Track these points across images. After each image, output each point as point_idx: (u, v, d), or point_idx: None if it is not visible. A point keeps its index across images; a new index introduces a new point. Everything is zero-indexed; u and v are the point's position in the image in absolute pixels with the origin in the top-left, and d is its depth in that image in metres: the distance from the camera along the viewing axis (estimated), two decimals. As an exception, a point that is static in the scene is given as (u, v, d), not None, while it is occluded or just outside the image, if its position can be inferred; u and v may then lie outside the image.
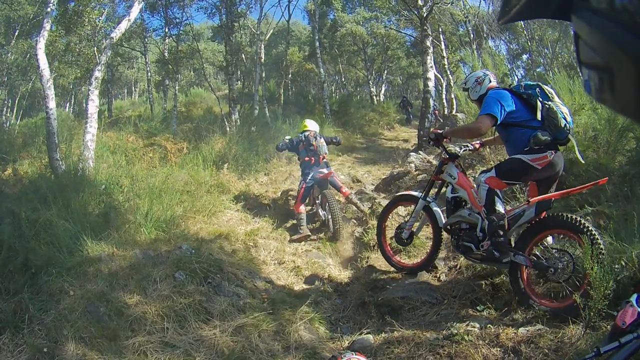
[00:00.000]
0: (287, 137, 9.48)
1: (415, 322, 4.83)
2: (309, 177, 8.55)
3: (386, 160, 13.16)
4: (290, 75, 28.85)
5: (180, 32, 21.21)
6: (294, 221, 8.51)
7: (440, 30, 21.10)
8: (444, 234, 5.81)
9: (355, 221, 8.24)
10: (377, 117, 21.08)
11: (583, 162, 4.93)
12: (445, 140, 5.48)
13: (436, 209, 5.77)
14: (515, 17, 0.83)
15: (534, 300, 4.50)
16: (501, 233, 4.71)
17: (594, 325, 3.74)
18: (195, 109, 23.59)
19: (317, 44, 22.61)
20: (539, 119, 4.71)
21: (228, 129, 15.53)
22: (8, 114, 23.86)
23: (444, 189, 5.87)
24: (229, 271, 5.82)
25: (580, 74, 0.84)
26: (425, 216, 6.01)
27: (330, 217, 7.98)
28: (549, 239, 4.73)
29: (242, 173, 11.45)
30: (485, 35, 23.14)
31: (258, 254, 7.21)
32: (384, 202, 7.66)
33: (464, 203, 5.33)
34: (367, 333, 4.81)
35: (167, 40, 21.57)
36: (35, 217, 6.53)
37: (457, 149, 5.69)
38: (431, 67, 16.06)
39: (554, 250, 4.62)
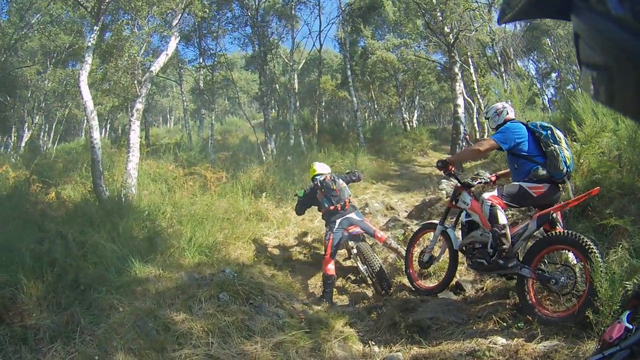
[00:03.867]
0: (298, 193, 8.76)
1: (442, 340, 5.06)
2: (337, 226, 7.59)
3: (419, 187, 13.20)
4: (323, 104, 29.17)
5: (215, 62, 21.63)
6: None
7: (468, 54, 21.28)
8: (460, 256, 6.33)
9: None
10: (411, 143, 21.10)
11: (574, 199, 5.29)
12: (451, 166, 6.02)
13: (452, 233, 6.30)
14: (516, 16, 0.87)
15: (538, 310, 4.90)
16: (504, 241, 5.23)
17: None
18: (231, 137, 24.03)
19: (349, 71, 22.95)
20: (544, 157, 5.33)
21: (264, 158, 15.87)
22: (45, 138, 24.70)
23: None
24: (269, 293, 6.14)
25: (580, 74, 0.85)
26: (444, 241, 6.53)
27: (373, 272, 7.11)
28: (571, 255, 5.05)
29: (280, 201, 11.68)
30: (512, 57, 23.29)
31: (295, 279, 7.50)
32: (415, 229, 7.90)
33: (476, 226, 5.82)
34: (397, 351, 5.09)
35: (202, 71, 22.14)
36: (83, 239, 7.03)
37: (471, 180, 6.23)
38: (460, 93, 16.36)
39: (558, 265, 5.08)
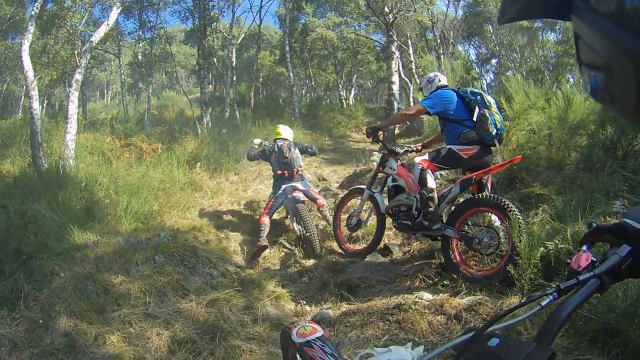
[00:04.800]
0: (256, 142, 9.09)
1: (371, 297, 5.40)
2: (280, 191, 8.06)
3: (352, 160, 13.56)
4: (261, 79, 29.03)
5: (154, 35, 21.36)
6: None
7: (408, 35, 21.64)
8: (388, 222, 6.66)
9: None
10: (346, 120, 21.24)
11: (496, 165, 5.58)
12: (380, 133, 6.30)
13: (379, 197, 6.60)
14: (516, 16, 0.86)
15: (464, 269, 5.24)
16: (431, 204, 5.54)
17: (530, 295, 4.05)
18: (168, 112, 23.80)
19: (287, 48, 22.93)
20: (474, 120, 5.57)
21: (200, 131, 15.80)
22: (-19, 116, 23.90)
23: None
24: (203, 256, 6.43)
25: (580, 74, 0.84)
26: (371, 205, 6.85)
27: (306, 233, 7.44)
28: (494, 217, 5.41)
29: (214, 172, 11.80)
30: (453, 41, 23.83)
31: (229, 244, 7.77)
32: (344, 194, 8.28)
33: (402, 190, 6.11)
34: (327, 308, 5.43)
35: (141, 44, 21.81)
36: (24, 209, 7.07)
37: (399, 149, 6.55)
38: (396, 71, 16.74)
39: (482, 227, 5.40)
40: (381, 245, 6.82)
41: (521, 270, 4.45)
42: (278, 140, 8.53)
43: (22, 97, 25.43)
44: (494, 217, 5.39)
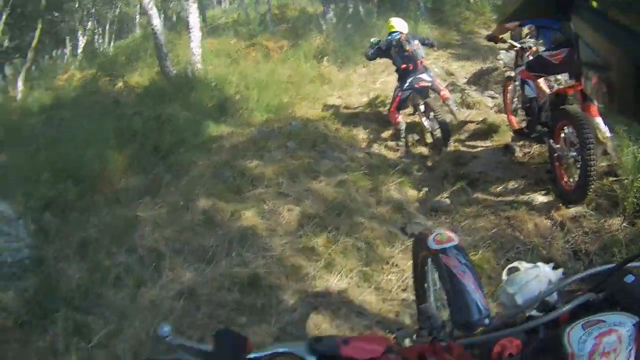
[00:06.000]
0: (373, 40, 8.50)
1: (486, 192, 5.49)
2: (407, 85, 7.56)
3: (479, 57, 12.83)
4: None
5: None
6: (391, 130, 7.94)
7: None
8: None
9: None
10: (473, 16, 20.32)
11: None
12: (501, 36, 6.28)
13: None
14: (516, 16, 0.86)
15: (558, 180, 4.98)
16: (530, 113, 5.51)
17: (633, 222, 4.13)
18: (289, 10, 23.73)
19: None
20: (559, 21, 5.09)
21: (324, 27, 15.76)
22: (100, 41, 25.18)
23: None
24: (333, 142, 6.75)
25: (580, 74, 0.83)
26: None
27: (435, 125, 7.22)
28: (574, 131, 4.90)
29: (342, 65, 11.74)
30: None
31: (357, 133, 7.82)
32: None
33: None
34: (445, 197, 5.60)
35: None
36: (158, 113, 7.54)
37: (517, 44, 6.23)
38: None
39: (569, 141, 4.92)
40: (504, 143, 6.60)
41: (624, 192, 4.29)
42: (394, 34, 7.98)
43: (137, 15, 26.78)
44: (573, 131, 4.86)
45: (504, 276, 1.54)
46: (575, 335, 0.96)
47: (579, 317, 1.01)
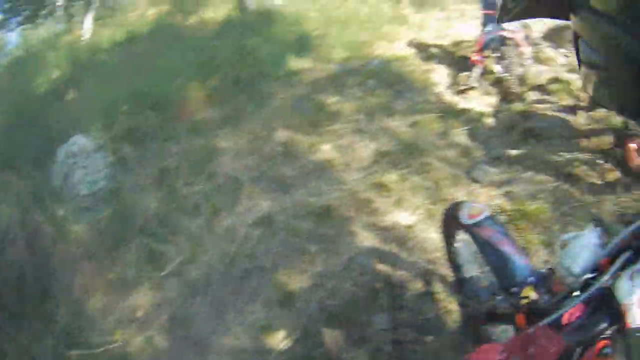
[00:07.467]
0: None
1: (550, 148, 5.38)
2: (489, 30, 7.43)
3: None
4: None
5: None
6: (465, 75, 7.58)
7: None
8: None
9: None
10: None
11: None
12: None
13: None
14: (516, 16, 0.87)
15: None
16: None
17: None
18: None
19: None
20: None
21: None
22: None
23: None
24: (409, 83, 6.67)
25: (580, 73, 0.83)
26: None
27: (506, 74, 7.11)
28: None
29: (420, 7, 11.56)
30: None
31: (433, 75, 7.75)
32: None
33: None
34: (511, 148, 5.55)
35: None
36: (238, 44, 7.59)
37: None
38: None
39: None
40: (573, 103, 6.33)
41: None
42: None
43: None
44: None
45: (559, 250, 1.63)
46: (623, 288, 1.04)
47: (625, 269, 1.09)
